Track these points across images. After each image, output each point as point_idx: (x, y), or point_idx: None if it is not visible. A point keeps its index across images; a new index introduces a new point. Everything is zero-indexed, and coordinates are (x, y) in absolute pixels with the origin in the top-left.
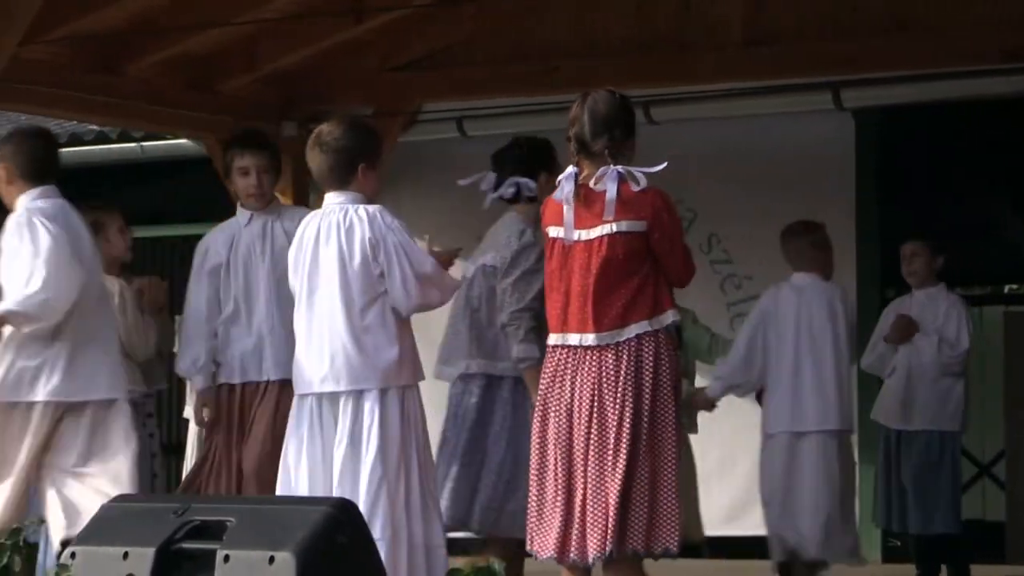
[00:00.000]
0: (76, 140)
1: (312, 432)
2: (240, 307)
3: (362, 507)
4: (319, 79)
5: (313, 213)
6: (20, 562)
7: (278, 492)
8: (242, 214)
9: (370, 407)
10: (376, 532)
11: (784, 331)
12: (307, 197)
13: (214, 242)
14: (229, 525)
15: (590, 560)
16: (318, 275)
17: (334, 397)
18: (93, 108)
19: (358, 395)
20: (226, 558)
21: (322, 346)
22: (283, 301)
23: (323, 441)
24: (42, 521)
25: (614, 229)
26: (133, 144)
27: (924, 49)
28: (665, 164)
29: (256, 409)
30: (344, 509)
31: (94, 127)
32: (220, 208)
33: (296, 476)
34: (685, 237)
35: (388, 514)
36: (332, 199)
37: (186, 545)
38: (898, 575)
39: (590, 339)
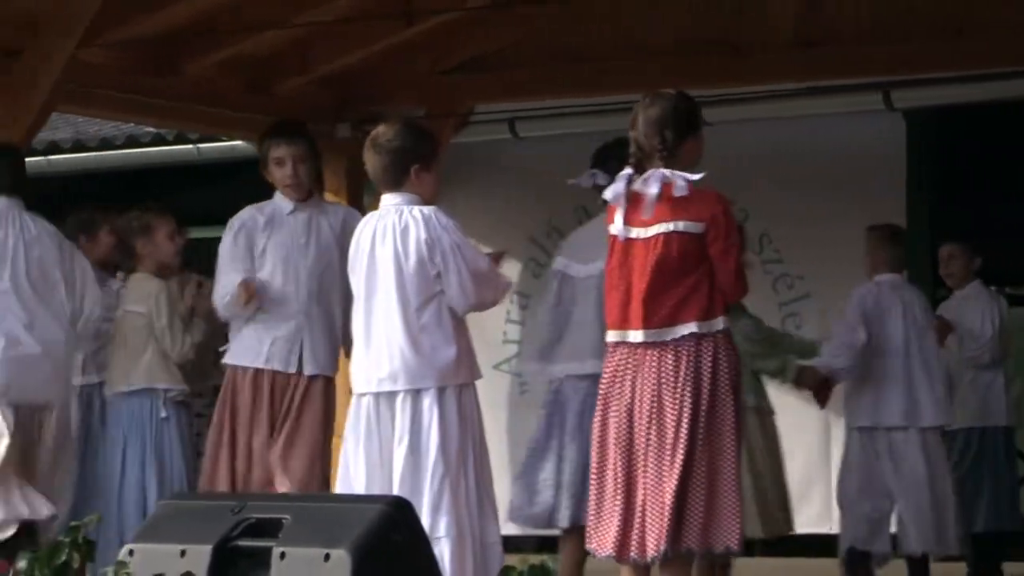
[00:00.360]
0: (133, 142)
1: (369, 431)
2: (275, 295)
3: (426, 505)
4: (372, 81)
5: (370, 214)
6: (79, 559)
7: (337, 490)
8: (284, 202)
9: (428, 406)
10: (441, 530)
11: (892, 329)
12: (361, 197)
13: (252, 222)
14: (285, 523)
15: (648, 558)
16: (375, 276)
17: (391, 396)
18: (150, 110)
19: (416, 394)
20: (282, 555)
21: (380, 346)
22: (322, 296)
23: (380, 439)
24: (100, 519)
25: (671, 228)
26: (189, 146)
27: (975, 49)
28: (704, 174)
29: (292, 404)
30: (400, 507)
31: (151, 129)
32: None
33: (354, 474)
34: (744, 256)
35: (452, 512)
36: (388, 200)
37: (242, 542)
38: (948, 574)
39: (639, 336)
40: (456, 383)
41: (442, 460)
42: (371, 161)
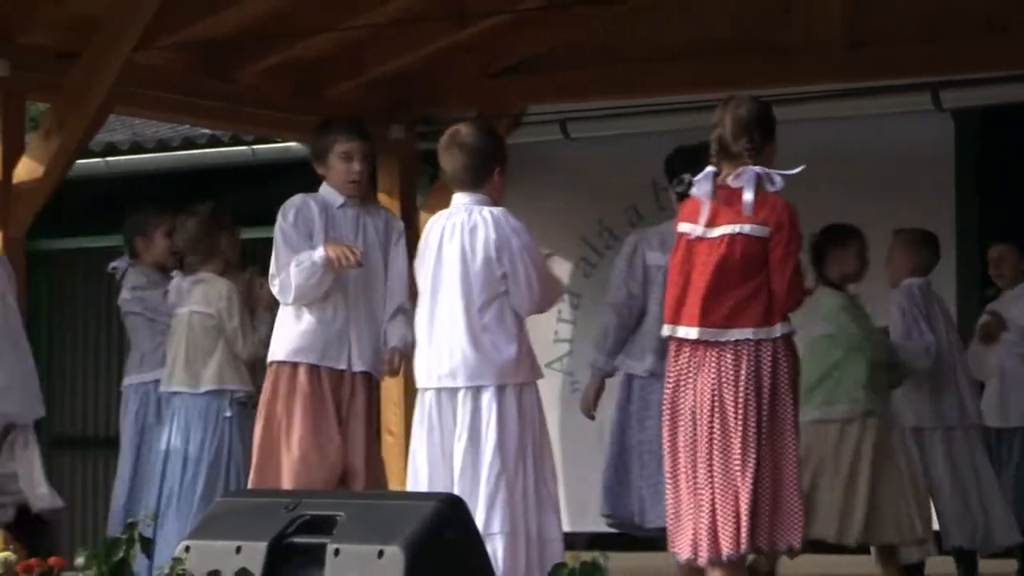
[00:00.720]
0: (189, 143)
1: (431, 425)
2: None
3: (481, 501)
4: (424, 83)
5: (439, 213)
6: (135, 556)
7: (408, 485)
8: (334, 196)
9: (488, 403)
10: (495, 526)
11: (938, 332)
12: (414, 197)
13: (307, 209)
14: (339, 520)
15: (724, 557)
16: (441, 273)
17: (453, 392)
18: (205, 112)
19: (476, 391)
20: (336, 552)
21: (442, 342)
22: (368, 294)
23: (442, 434)
24: (156, 516)
25: (736, 230)
26: (245, 147)
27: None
28: (803, 167)
29: (344, 400)
30: (453, 504)
31: (207, 131)
32: None
33: (419, 468)
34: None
35: (507, 508)
36: (460, 199)
37: (297, 539)
38: (999, 570)
39: (694, 333)
40: (516, 382)
41: (499, 457)
42: (453, 160)
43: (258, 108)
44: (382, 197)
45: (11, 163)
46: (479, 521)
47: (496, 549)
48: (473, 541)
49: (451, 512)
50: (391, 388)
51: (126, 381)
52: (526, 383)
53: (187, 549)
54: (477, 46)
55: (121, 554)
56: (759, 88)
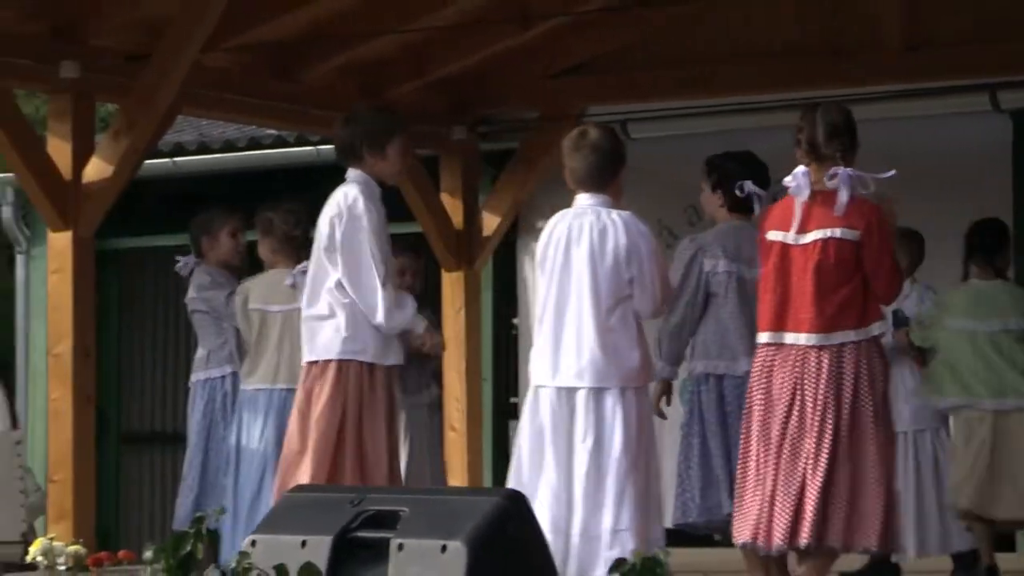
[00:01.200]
0: (255, 144)
1: (544, 423)
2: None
3: (609, 500)
4: (486, 84)
5: (562, 212)
6: (203, 549)
7: (511, 478)
8: (374, 187)
9: (612, 405)
10: (624, 523)
11: None
12: (476, 197)
13: (381, 212)
14: (403, 515)
15: (773, 548)
16: (569, 274)
17: (571, 392)
18: (270, 113)
19: (598, 392)
20: (400, 547)
21: (569, 343)
22: None
23: (555, 432)
24: (223, 510)
25: (828, 234)
26: (310, 148)
27: None
28: (894, 172)
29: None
30: (514, 500)
31: (272, 131)
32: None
33: (523, 463)
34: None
35: (634, 506)
36: (584, 200)
37: (362, 534)
38: None
39: (802, 339)
40: (636, 385)
41: (625, 457)
42: (581, 160)
43: (323, 109)
44: (445, 197)
45: (81, 163)
46: (607, 519)
47: (625, 545)
48: (534, 537)
49: (513, 508)
50: (454, 384)
51: (193, 377)
52: (643, 387)
53: (253, 543)
54: (539, 47)
55: (188, 548)
56: (818, 90)
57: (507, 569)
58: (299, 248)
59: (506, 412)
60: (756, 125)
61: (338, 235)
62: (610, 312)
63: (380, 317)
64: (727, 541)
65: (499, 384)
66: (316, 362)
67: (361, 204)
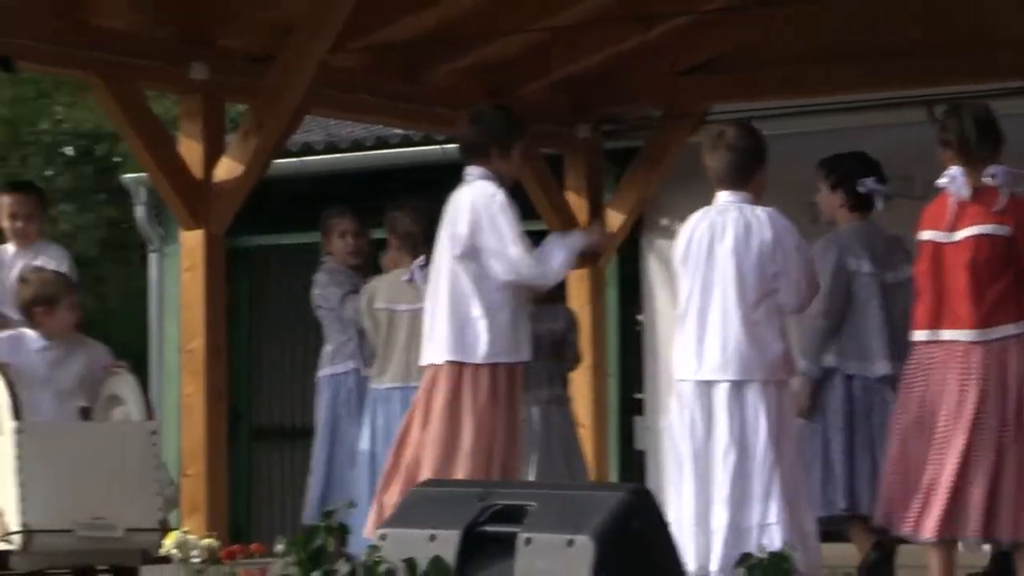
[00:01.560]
0: (382, 143)
1: (692, 417)
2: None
3: (756, 493)
4: (610, 83)
5: (704, 210)
6: (333, 543)
7: (670, 474)
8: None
9: (755, 399)
10: (772, 516)
11: None
12: (601, 194)
13: (514, 206)
14: (530, 509)
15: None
16: (713, 270)
17: (715, 385)
18: (397, 113)
19: (741, 386)
20: (527, 541)
21: (715, 338)
22: None
23: (694, 425)
24: (352, 504)
25: (979, 231)
26: (436, 147)
27: None
28: None
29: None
30: (640, 495)
31: (399, 130)
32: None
33: (683, 457)
34: None
35: (782, 498)
36: (725, 198)
37: (489, 528)
38: None
39: (961, 335)
40: (778, 378)
41: (772, 450)
42: (719, 159)
43: (448, 108)
44: (570, 195)
45: (212, 163)
46: (755, 513)
47: (774, 538)
48: (660, 531)
49: (638, 502)
50: (581, 381)
51: (320, 373)
52: (784, 381)
53: (383, 537)
54: (663, 46)
55: (319, 541)
56: (949, 85)
57: (633, 563)
58: (419, 245)
59: (631, 408)
60: (884, 122)
61: (484, 223)
62: (755, 306)
63: (538, 269)
64: (837, 536)
65: (624, 380)
66: (443, 363)
67: (501, 196)
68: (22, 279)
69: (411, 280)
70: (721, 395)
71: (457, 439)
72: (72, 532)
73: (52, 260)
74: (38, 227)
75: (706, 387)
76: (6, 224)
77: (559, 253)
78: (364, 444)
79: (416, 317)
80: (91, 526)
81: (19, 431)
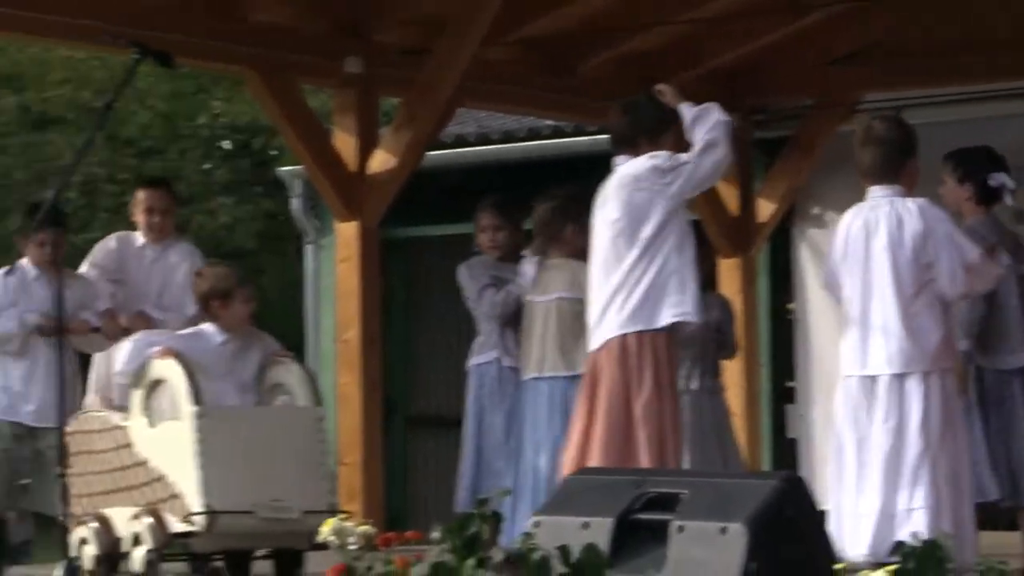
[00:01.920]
0: (534, 135)
1: (856, 411)
2: None
3: (905, 478)
4: (760, 74)
5: (857, 206)
6: (488, 531)
7: (831, 463)
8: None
9: (914, 388)
10: (918, 501)
11: None
12: (752, 185)
13: None
14: (683, 497)
15: None
16: (871, 266)
17: (877, 379)
18: (547, 104)
19: (903, 377)
20: (680, 528)
21: (876, 333)
22: None
23: (864, 419)
24: (507, 492)
25: None
26: (587, 138)
27: None
28: None
29: None
30: (793, 483)
31: (550, 122)
32: None
33: (845, 448)
34: None
35: (930, 484)
36: (877, 192)
37: (642, 516)
38: None
39: None
40: (939, 367)
41: (922, 437)
42: (868, 154)
43: (599, 100)
44: (720, 185)
45: (366, 156)
46: (902, 499)
47: (920, 524)
48: (813, 520)
49: (792, 490)
50: (733, 370)
51: (468, 363)
52: (947, 369)
53: (536, 524)
54: (813, 36)
55: (474, 529)
56: None
57: (786, 551)
58: (551, 237)
59: (783, 396)
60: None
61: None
62: (914, 298)
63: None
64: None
65: (776, 369)
66: (605, 341)
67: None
68: (198, 274)
69: (535, 267)
70: (883, 388)
71: (593, 419)
72: (253, 513)
73: (184, 256)
74: (172, 222)
75: (870, 382)
76: (141, 218)
77: (699, 125)
78: (505, 429)
79: (550, 307)
80: (271, 507)
81: (199, 416)
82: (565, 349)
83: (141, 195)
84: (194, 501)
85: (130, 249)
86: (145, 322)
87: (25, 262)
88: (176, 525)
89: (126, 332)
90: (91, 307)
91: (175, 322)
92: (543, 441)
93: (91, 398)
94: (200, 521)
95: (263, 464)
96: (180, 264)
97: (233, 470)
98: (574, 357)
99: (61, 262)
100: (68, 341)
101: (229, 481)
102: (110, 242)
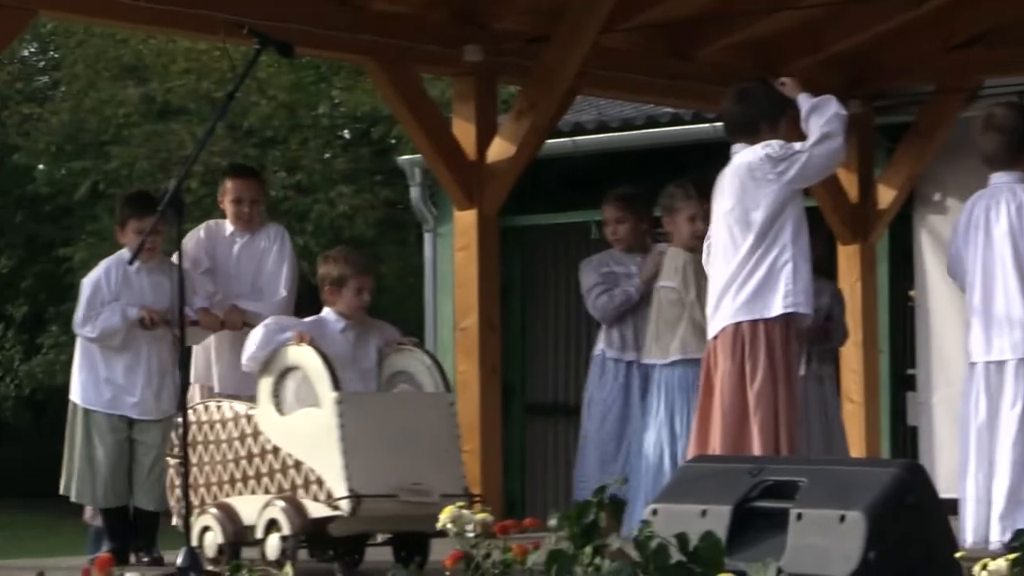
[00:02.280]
0: (652, 122)
1: (980, 398)
2: None
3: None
4: (881, 59)
5: (978, 194)
6: (606, 518)
7: (959, 450)
8: None
9: None
10: None
11: None
12: (872, 170)
13: None
14: (801, 485)
15: None
16: (992, 253)
17: (1002, 365)
18: (667, 91)
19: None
20: (799, 516)
21: (1001, 319)
22: None
23: (989, 403)
24: (624, 480)
25: None
26: (706, 125)
27: None
28: None
29: None
30: (913, 471)
31: (669, 109)
32: None
33: (969, 436)
34: None
35: None
36: (999, 179)
37: (760, 504)
38: None
39: None
40: None
41: None
42: (990, 141)
43: (718, 86)
44: (840, 172)
45: (485, 144)
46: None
47: None
48: (934, 507)
49: (911, 478)
50: (851, 356)
51: (593, 351)
52: None
53: (654, 512)
54: (935, 21)
55: (591, 516)
56: None
57: (906, 539)
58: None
59: (903, 383)
60: None
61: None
62: None
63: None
64: None
65: (896, 356)
66: (721, 329)
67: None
68: (324, 257)
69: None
70: (1009, 373)
71: (712, 405)
72: (396, 497)
73: (273, 239)
74: (260, 212)
75: (997, 367)
76: (229, 208)
77: (816, 116)
78: (624, 417)
79: (664, 294)
80: (412, 491)
81: (340, 401)
82: (659, 337)
83: (229, 184)
84: (337, 486)
85: (219, 238)
86: (239, 315)
87: (126, 253)
88: (316, 510)
89: (222, 325)
90: (188, 300)
91: (268, 308)
92: (663, 427)
93: (193, 389)
94: (345, 505)
95: (402, 449)
96: (269, 248)
97: (374, 455)
98: (668, 345)
99: (175, 252)
100: (169, 333)
101: (371, 466)
102: (199, 232)
